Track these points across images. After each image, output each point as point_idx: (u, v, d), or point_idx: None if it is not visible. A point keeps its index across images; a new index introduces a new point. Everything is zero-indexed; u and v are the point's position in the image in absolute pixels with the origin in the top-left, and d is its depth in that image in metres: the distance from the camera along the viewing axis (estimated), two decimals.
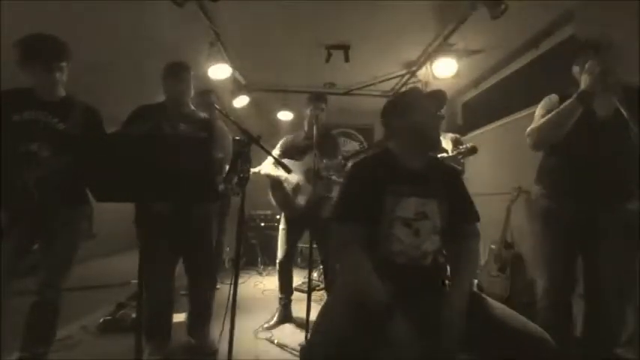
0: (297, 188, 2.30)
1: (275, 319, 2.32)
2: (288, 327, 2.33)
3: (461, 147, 2.11)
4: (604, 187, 1.37)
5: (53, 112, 1.54)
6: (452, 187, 1.23)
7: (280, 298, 2.40)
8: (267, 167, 2.37)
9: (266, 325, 2.26)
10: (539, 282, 1.50)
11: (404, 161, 1.21)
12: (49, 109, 1.54)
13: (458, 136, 2.57)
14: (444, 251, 1.22)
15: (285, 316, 2.36)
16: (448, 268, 1.24)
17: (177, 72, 1.79)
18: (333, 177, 2.39)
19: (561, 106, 1.38)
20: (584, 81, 1.36)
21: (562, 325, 1.42)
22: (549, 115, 1.41)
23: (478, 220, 1.24)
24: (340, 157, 2.19)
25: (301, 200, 2.27)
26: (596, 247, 1.40)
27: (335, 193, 2.38)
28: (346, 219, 1.17)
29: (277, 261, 2.41)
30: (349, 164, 2.18)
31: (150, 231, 1.65)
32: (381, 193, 1.15)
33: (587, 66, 1.36)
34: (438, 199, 1.17)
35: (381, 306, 0.97)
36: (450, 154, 2.12)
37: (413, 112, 1.19)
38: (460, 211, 1.21)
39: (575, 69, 1.48)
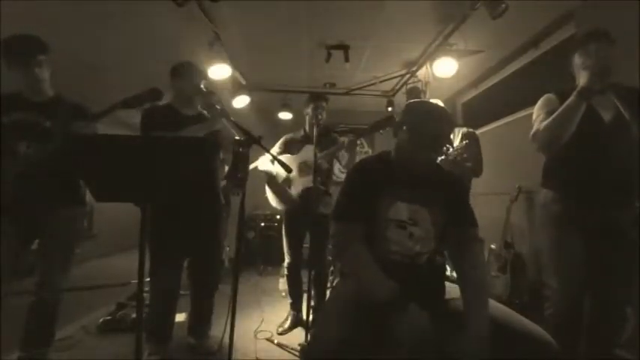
0: (287, 181, 2.31)
1: (288, 323, 2.30)
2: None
3: (454, 149, 2.00)
4: (615, 187, 1.37)
5: (40, 112, 1.55)
6: (450, 194, 1.21)
7: (291, 303, 2.38)
8: (264, 163, 2.38)
9: (280, 330, 2.24)
10: (553, 286, 1.46)
11: (403, 165, 1.20)
12: (36, 109, 1.55)
13: (465, 130, 2.32)
14: (443, 252, 1.21)
15: (298, 320, 2.35)
16: (448, 268, 1.23)
17: (185, 72, 1.78)
18: (334, 176, 2.40)
19: (563, 105, 1.37)
20: (582, 77, 1.36)
21: (574, 331, 1.40)
22: (553, 116, 1.39)
23: (475, 226, 1.20)
24: (331, 148, 2.16)
25: (294, 192, 2.27)
26: (610, 248, 1.38)
27: (331, 188, 2.39)
28: (346, 218, 1.18)
29: (285, 265, 2.38)
30: (339, 154, 2.20)
31: (158, 232, 1.66)
32: (376, 194, 1.16)
33: (584, 63, 1.36)
34: (429, 207, 1.16)
35: (385, 300, 0.97)
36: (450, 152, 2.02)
37: (414, 126, 1.16)
38: (457, 217, 1.19)
39: (578, 60, 1.43)
